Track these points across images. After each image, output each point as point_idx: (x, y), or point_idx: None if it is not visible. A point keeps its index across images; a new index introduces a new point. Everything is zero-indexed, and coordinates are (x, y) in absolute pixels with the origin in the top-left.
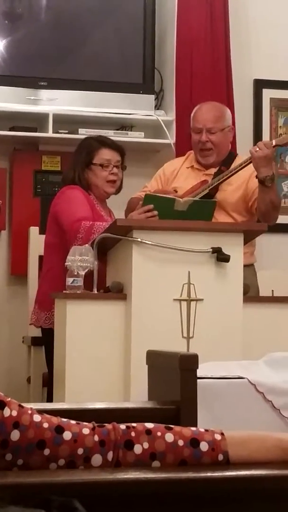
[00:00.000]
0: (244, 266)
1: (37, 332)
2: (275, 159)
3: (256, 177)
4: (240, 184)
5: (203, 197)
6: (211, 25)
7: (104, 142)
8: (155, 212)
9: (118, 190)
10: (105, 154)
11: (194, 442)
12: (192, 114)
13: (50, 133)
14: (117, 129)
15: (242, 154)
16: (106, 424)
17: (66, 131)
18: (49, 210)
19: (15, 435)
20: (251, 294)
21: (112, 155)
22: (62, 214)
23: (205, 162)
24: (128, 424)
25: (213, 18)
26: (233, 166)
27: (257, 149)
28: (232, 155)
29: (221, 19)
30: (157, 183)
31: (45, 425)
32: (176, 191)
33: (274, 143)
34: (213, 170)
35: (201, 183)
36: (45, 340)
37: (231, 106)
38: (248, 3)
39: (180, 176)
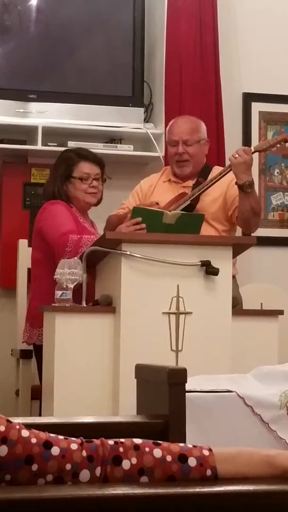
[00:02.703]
0: None
1: (26, 345)
2: (264, 171)
3: (236, 183)
4: (219, 193)
5: (185, 208)
6: (200, 38)
7: (83, 155)
8: (143, 225)
9: (98, 202)
10: (84, 168)
11: (182, 457)
12: (167, 128)
13: (39, 146)
14: (106, 142)
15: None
16: (94, 440)
17: (55, 144)
18: (33, 227)
19: (3, 450)
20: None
21: (92, 168)
22: (48, 229)
23: (181, 173)
24: (116, 439)
25: (202, 31)
26: (210, 177)
27: (236, 155)
28: (208, 167)
29: (210, 33)
30: (135, 200)
31: (33, 440)
32: (157, 204)
33: (253, 149)
34: (190, 182)
35: (180, 196)
36: (39, 357)
37: (220, 119)
38: (237, 17)
39: (158, 191)
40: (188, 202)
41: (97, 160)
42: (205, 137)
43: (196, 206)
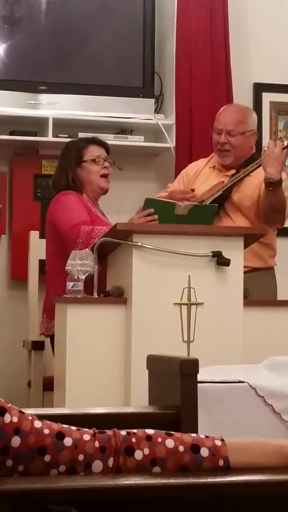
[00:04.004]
0: (263, 269)
1: (38, 336)
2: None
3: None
4: (256, 185)
5: (217, 198)
6: (211, 29)
7: (91, 139)
8: (155, 216)
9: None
10: (94, 150)
11: (194, 448)
12: (217, 114)
13: (50, 137)
14: (117, 133)
15: None
16: (106, 430)
17: (66, 135)
18: (46, 218)
19: (16, 441)
20: (268, 298)
21: (101, 151)
22: (60, 221)
23: (222, 162)
24: (129, 430)
25: (213, 22)
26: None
27: (266, 148)
28: (255, 157)
29: (221, 23)
30: (179, 184)
31: (46, 431)
32: (193, 190)
33: (286, 143)
34: (232, 172)
35: (218, 185)
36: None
37: None
38: (248, 7)
39: (202, 177)
40: (220, 192)
41: (104, 144)
42: (252, 129)
43: (232, 197)
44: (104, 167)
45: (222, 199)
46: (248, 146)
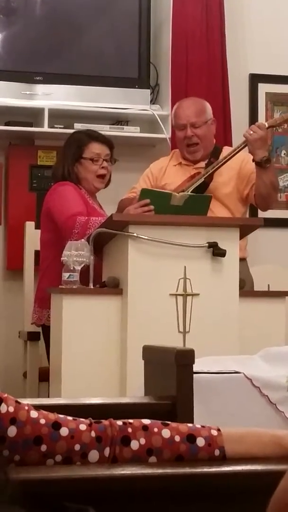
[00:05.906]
0: (239, 260)
1: (34, 327)
2: (271, 153)
3: (253, 160)
4: (232, 174)
5: (199, 187)
6: (207, 19)
7: (94, 136)
8: (151, 207)
9: (106, 184)
10: (95, 148)
11: (190, 437)
12: (173, 112)
13: (45, 128)
14: (113, 124)
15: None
16: (103, 420)
17: (62, 126)
18: (42, 208)
19: (12, 431)
20: (245, 288)
21: (102, 149)
22: (56, 211)
23: (193, 158)
24: (125, 420)
25: (209, 12)
26: (221, 157)
27: (251, 132)
28: (218, 148)
29: (217, 13)
30: (146, 183)
31: (42, 421)
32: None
33: (267, 125)
34: (202, 164)
35: (192, 177)
36: (48, 337)
37: (226, 100)
38: None
39: (169, 173)
40: (202, 180)
41: (107, 141)
42: (211, 117)
43: (209, 185)
44: (102, 167)
45: (202, 188)
46: (212, 135)
